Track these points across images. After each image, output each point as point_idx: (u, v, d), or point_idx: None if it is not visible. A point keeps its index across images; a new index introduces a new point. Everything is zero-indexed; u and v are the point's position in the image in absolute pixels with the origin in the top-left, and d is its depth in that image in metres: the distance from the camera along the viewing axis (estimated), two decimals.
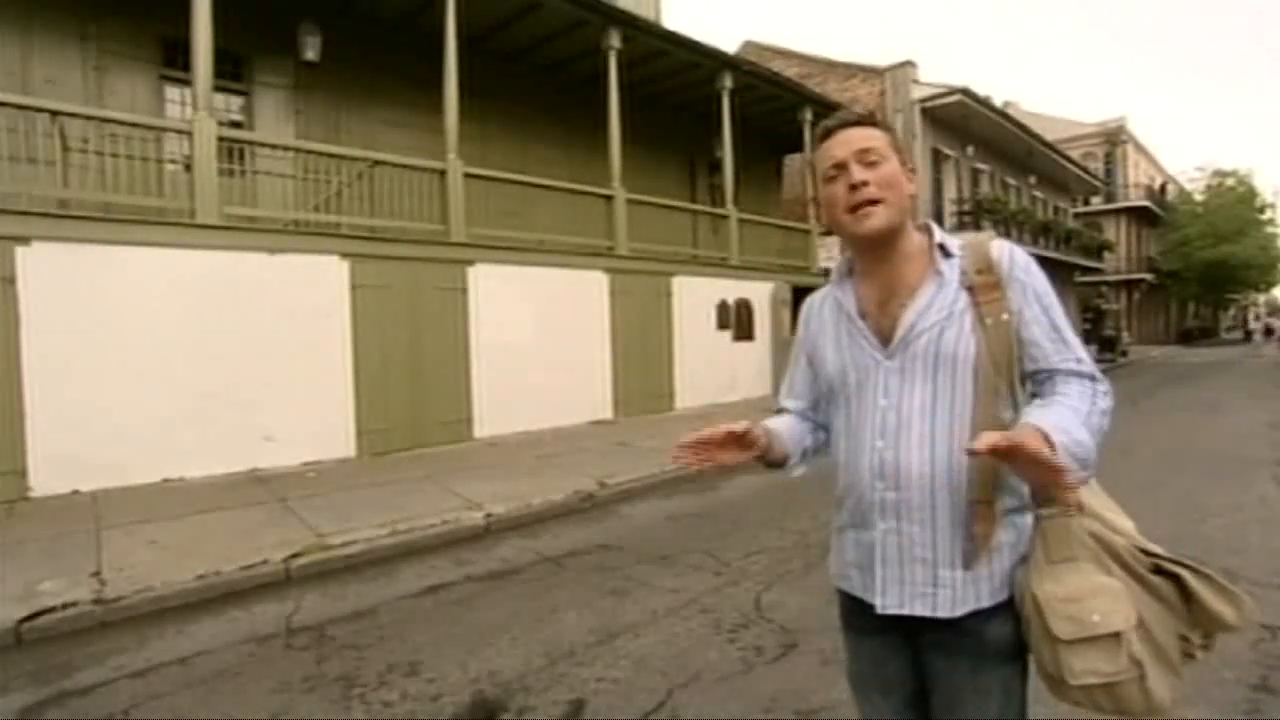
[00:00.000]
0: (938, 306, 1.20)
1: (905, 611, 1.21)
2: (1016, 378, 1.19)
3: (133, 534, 4.56)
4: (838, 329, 1.33)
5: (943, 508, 1.18)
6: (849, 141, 1.22)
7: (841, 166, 1.22)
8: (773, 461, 1.35)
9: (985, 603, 1.17)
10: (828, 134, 1.26)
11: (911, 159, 1.27)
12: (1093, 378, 1.17)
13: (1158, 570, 1.08)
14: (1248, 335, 51.48)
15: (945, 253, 1.24)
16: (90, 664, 3.04)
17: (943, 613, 1.18)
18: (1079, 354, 1.18)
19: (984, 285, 1.19)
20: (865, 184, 1.19)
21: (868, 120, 1.26)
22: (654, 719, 2.47)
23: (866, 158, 1.20)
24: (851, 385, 1.29)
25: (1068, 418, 1.10)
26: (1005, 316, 1.18)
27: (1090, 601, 1.05)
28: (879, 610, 1.23)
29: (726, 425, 1.22)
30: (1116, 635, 1.03)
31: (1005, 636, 1.18)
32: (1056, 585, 1.08)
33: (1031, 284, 1.20)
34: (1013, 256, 1.21)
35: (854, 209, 1.21)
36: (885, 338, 1.24)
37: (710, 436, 1.21)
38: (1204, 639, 1.09)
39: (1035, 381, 1.21)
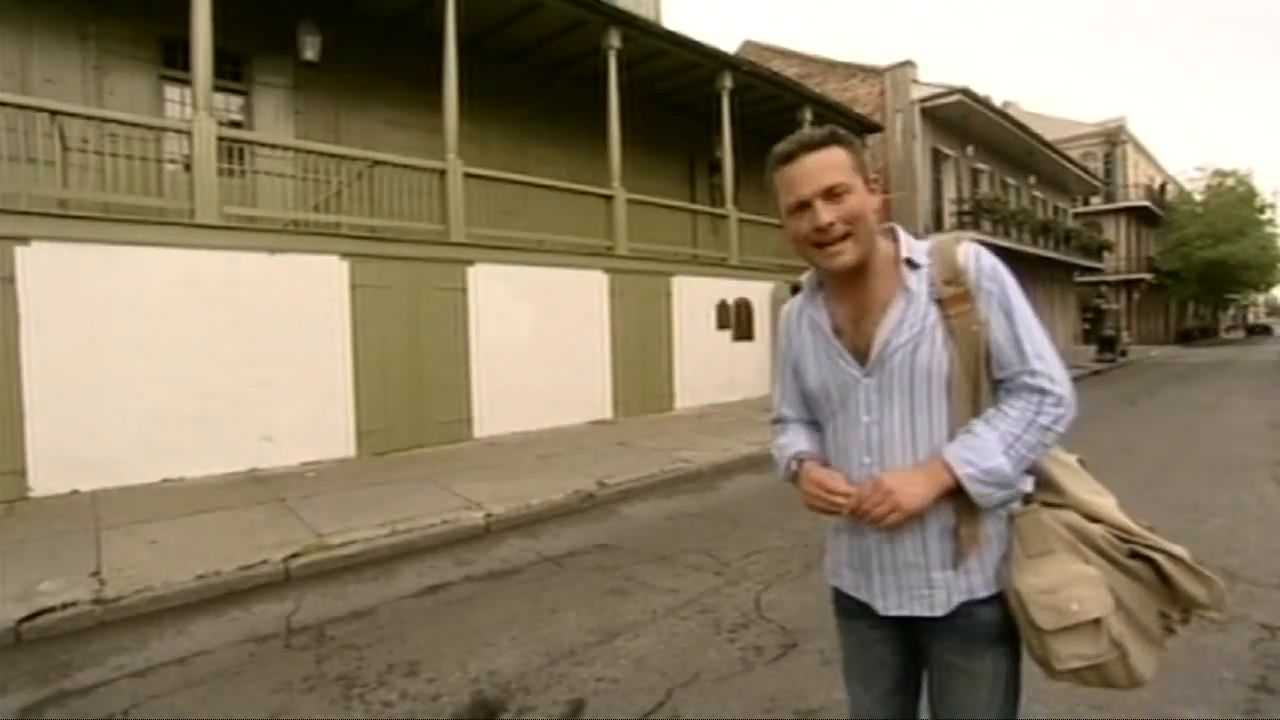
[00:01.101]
0: (909, 323, 1.19)
1: (905, 613, 1.25)
2: (988, 386, 1.20)
3: (132, 534, 4.56)
4: (816, 345, 1.33)
5: (930, 516, 1.20)
6: (813, 176, 1.18)
7: (806, 205, 1.19)
8: None
9: (980, 593, 1.20)
10: (788, 159, 1.21)
11: (872, 170, 1.23)
12: (1042, 391, 1.15)
13: (1134, 555, 1.13)
14: (1251, 331, 50.99)
15: (912, 265, 1.22)
16: (90, 664, 3.04)
17: (940, 610, 1.22)
18: (1034, 365, 1.16)
19: (953, 297, 1.18)
20: (832, 224, 1.17)
21: (828, 141, 1.20)
22: (654, 719, 2.47)
23: (831, 193, 1.17)
24: (835, 401, 1.29)
25: (984, 445, 1.14)
26: (975, 328, 1.17)
27: (1069, 590, 1.10)
28: (881, 613, 1.27)
29: (839, 486, 1.24)
30: (1097, 621, 1.08)
31: (995, 620, 1.20)
32: (1036, 578, 1.13)
33: (998, 292, 1.18)
34: (979, 262, 1.19)
35: (822, 245, 1.20)
36: (862, 355, 1.25)
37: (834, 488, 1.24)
38: (1183, 614, 1.14)
39: (1000, 389, 1.21)
